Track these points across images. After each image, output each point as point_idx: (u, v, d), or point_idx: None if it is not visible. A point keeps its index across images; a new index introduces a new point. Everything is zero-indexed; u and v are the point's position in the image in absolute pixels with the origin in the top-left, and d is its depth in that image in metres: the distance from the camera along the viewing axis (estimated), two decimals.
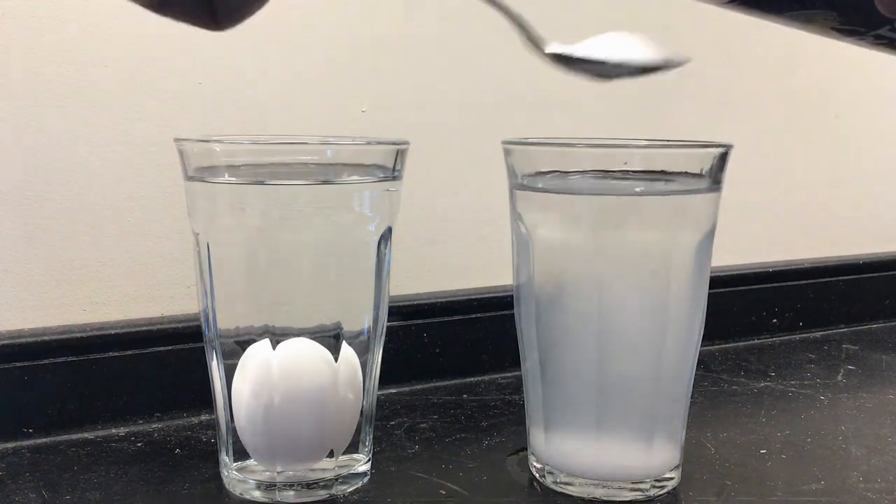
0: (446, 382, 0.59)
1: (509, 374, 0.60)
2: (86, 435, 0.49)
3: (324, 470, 0.42)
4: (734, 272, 0.71)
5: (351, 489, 0.43)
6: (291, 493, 0.41)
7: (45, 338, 0.50)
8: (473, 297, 0.61)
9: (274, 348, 0.40)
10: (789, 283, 0.73)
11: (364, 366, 0.43)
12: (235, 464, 0.42)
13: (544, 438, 0.43)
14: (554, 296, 0.41)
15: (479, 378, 0.60)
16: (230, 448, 0.42)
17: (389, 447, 0.48)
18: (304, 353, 0.40)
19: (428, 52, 0.60)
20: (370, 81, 0.58)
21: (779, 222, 0.76)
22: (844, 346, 0.70)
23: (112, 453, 0.47)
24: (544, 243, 0.41)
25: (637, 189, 0.40)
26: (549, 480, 0.43)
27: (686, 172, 0.40)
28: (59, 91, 0.50)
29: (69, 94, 0.50)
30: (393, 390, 0.57)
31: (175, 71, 0.52)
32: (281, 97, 0.55)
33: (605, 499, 0.42)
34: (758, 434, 0.50)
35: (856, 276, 0.76)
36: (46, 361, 0.49)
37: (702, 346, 0.43)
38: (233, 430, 0.42)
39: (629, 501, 0.42)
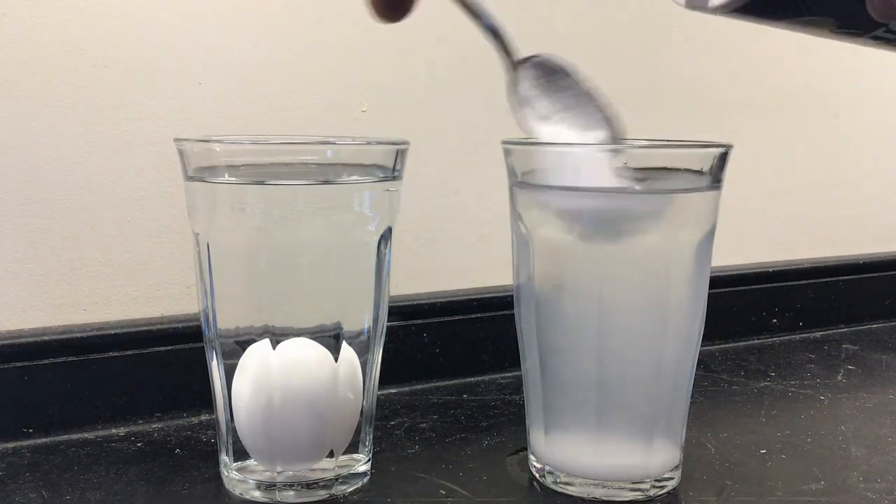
0: (446, 382, 0.59)
1: (509, 374, 0.61)
2: (86, 435, 0.49)
3: (324, 470, 0.42)
4: (734, 272, 0.71)
5: (351, 489, 0.43)
6: (291, 493, 0.41)
7: (45, 338, 0.50)
8: (473, 297, 0.61)
9: (274, 348, 0.40)
10: (789, 283, 0.73)
11: (364, 366, 0.43)
12: (235, 464, 0.42)
13: (544, 438, 0.43)
14: (554, 296, 0.42)
15: (479, 378, 0.60)
16: (230, 448, 0.42)
17: (389, 447, 0.48)
18: (304, 353, 0.40)
19: (428, 52, 0.60)
20: (370, 81, 0.58)
21: (779, 222, 0.76)
22: (844, 346, 0.70)
23: (112, 453, 0.47)
24: (544, 243, 0.41)
25: (637, 189, 0.40)
26: (549, 480, 0.43)
27: (686, 172, 0.40)
28: (59, 91, 0.50)
29: (69, 94, 0.50)
30: (393, 390, 0.57)
31: (175, 71, 0.52)
32: (281, 97, 0.55)
33: (605, 499, 0.42)
34: (758, 434, 0.50)
35: (856, 276, 0.76)
36: (46, 361, 0.49)
37: (702, 346, 0.43)
38: (233, 430, 0.42)
39: (629, 501, 0.42)
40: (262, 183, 0.39)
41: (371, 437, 0.44)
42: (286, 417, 0.40)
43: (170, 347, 0.52)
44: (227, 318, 0.41)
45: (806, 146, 0.76)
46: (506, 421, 0.52)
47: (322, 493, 0.42)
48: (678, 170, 0.40)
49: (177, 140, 0.40)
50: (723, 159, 0.41)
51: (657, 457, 0.42)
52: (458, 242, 0.62)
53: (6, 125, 0.49)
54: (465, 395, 0.57)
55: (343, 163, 0.42)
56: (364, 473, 0.44)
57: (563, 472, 0.43)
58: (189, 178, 0.41)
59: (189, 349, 0.51)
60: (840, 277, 0.76)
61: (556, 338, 0.41)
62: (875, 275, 0.77)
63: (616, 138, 0.41)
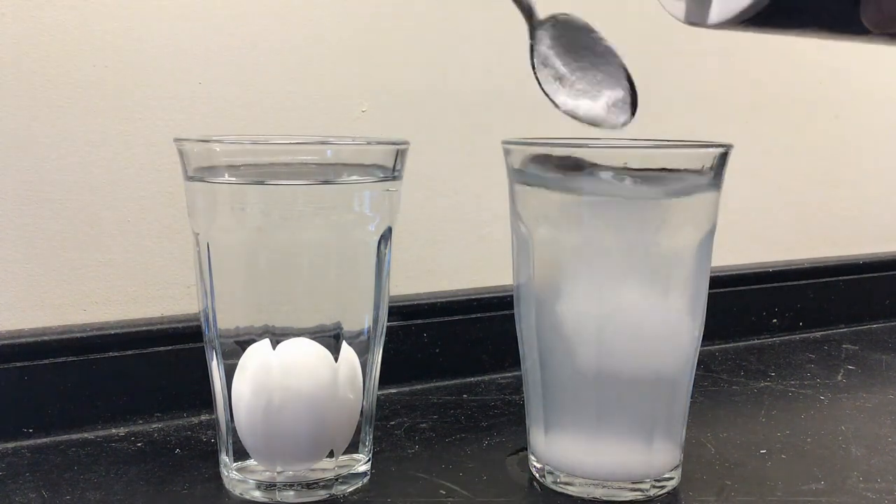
0: (446, 382, 0.59)
1: (509, 374, 0.61)
2: (86, 435, 0.49)
3: (324, 470, 0.42)
4: (734, 272, 0.71)
5: (351, 489, 0.43)
6: (291, 493, 0.41)
7: (45, 338, 0.50)
8: (473, 297, 0.61)
9: (274, 348, 0.40)
10: (789, 283, 0.73)
11: (364, 366, 0.43)
12: (235, 464, 0.42)
13: (544, 438, 0.43)
14: (554, 296, 0.42)
15: (479, 378, 0.60)
16: (230, 448, 0.42)
17: (389, 447, 0.48)
18: (304, 353, 0.40)
19: (429, 52, 0.60)
20: (370, 81, 0.58)
21: (779, 222, 0.76)
22: (844, 346, 0.70)
23: (112, 453, 0.47)
24: (544, 243, 0.41)
25: (637, 189, 0.40)
26: (549, 480, 0.43)
27: (686, 172, 0.40)
28: (59, 91, 0.50)
29: (69, 94, 0.50)
30: (393, 390, 0.57)
31: (175, 71, 0.52)
32: (281, 97, 0.55)
33: (605, 499, 0.42)
34: (758, 434, 0.50)
35: (856, 276, 0.76)
36: (46, 361, 0.49)
37: (702, 346, 0.43)
38: (233, 430, 0.42)
39: (629, 501, 0.42)
40: (262, 183, 0.39)
41: (371, 437, 0.44)
42: (286, 417, 0.40)
43: (170, 347, 0.52)
44: (227, 318, 0.41)
45: (806, 146, 0.76)
46: (506, 421, 0.52)
47: (322, 493, 0.42)
48: (678, 170, 0.40)
49: (177, 140, 0.40)
50: (723, 159, 0.41)
51: (657, 457, 0.42)
52: (458, 242, 0.62)
53: (6, 125, 0.49)
54: (465, 395, 0.57)
55: (343, 163, 0.42)
56: (364, 473, 0.44)
57: (563, 472, 0.43)
58: (189, 178, 0.41)
59: (189, 349, 0.51)
60: (840, 277, 0.76)
61: (556, 338, 0.41)
62: (875, 275, 0.77)
63: (632, 96, 0.41)
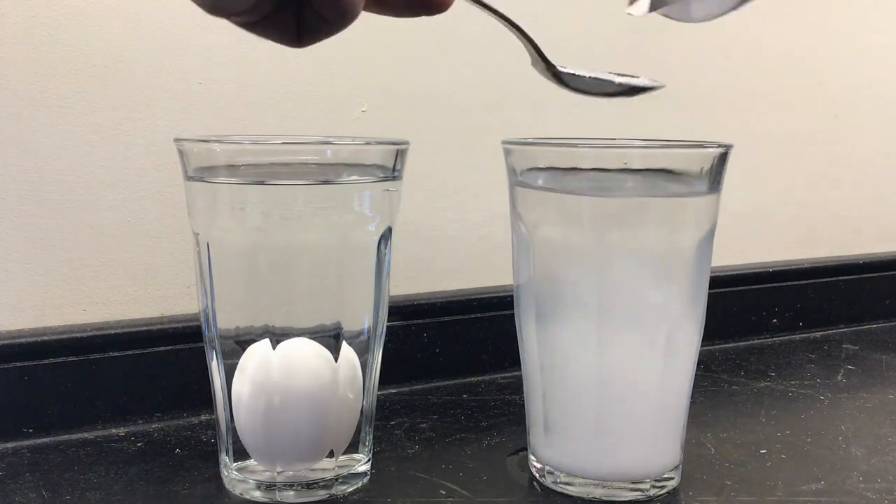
0: (446, 382, 0.59)
1: (509, 374, 0.61)
2: (86, 435, 0.49)
3: (324, 470, 0.42)
4: (734, 272, 0.71)
5: (351, 489, 0.43)
6: (291, 493, 0.41)
7: (45, 338, 0.50)
8: (473, 297, 0.61)
9: (274, 348, 0.40)
10: (789, 283, 0.73)
11: (364, 366, 0.43)
12: (235, 464, 0.42)
13: (544, 438, 0.43)
14: (554, 296, 0.42)
15: (479, 378, 0.60)
16: (230, 448, 0.42)
17: (389, 447, 0.48)
18: (304, 353, 0.40)
19: (429, 52, 0.60)
20: (370, 81, 0.58)
21: (779, 222, 0.76)
22: (844, 346, 0.70)
23: (112, 453, 0.47)
24: (544, 243, 0.41)
25: (637, 189, 0.40)
26: (549, 480, 0.43)
27: (686, 172, 0.40)
28: (59, 91, 0.50)
29: (69, 94, 0.50)
30: (393, 390, 0.57)
31: (175, 71, 0.52)
32: (281, 97, 0.55)
33: (605, 499, 0.42)
34: (758, 434, 0.50)
35: (856, 276, 0.76)
36: (46, 361, 0.49)
37: (702, 346, 0.43)
38: (233, 430, 0.42)
39: (629, 501, 0.42)
40: (262, 183, 0.39)
41: (371, 437, 0.44)
42: (286, 417, 0.40)
43: (170, 347, 0.52)
44: (227, 318, 0.41)
45: (806, 146, 0.76)
46: (506, 421, 0.52)
47: (322, 493, 0.42)
48: (678, 170, 0.40)
49: (177, 140, 0.40)
50: (723, 159, 0.41)
51: (657, 457, 0.42)
52: (458, 242, 0.62)
53: (6, 125, 0.49)
54: (465, 395, 0.57)
55: (343, 163, 0.42)
56: (364, 473, 0.44)
57: (563, 472, 0.43)
58: (189, 178, 0.41)
59: (189, 349, 0.51)
60: (840, 277, 0.76)
61: (556, 338, 0.41)
62: (875, 275, 0.77)
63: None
